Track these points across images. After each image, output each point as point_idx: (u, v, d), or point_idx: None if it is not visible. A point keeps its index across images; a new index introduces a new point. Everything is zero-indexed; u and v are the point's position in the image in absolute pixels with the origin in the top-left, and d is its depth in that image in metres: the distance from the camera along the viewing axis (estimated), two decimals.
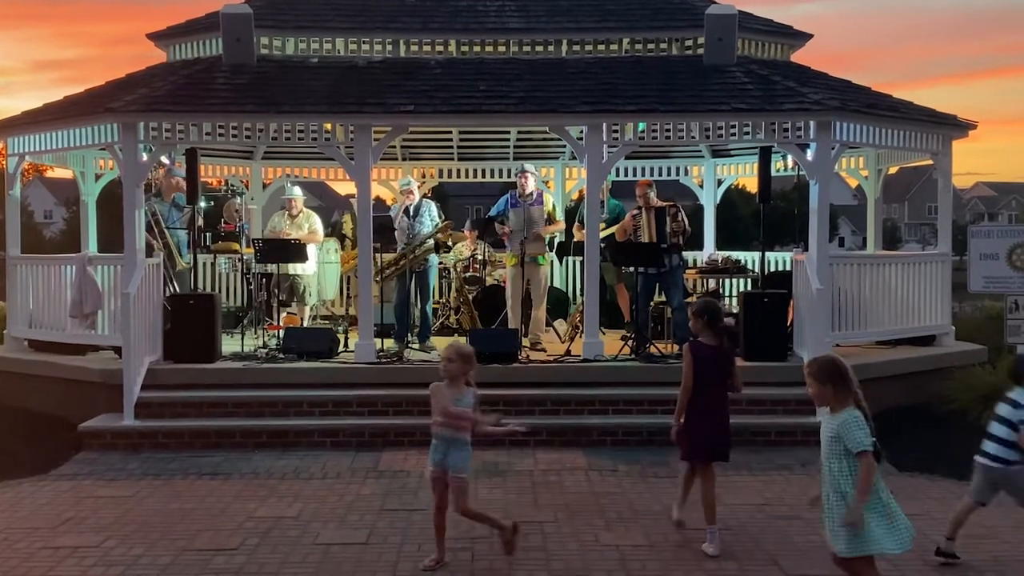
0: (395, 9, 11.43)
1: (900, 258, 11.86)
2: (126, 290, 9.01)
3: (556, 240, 12.52)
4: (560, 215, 11.23)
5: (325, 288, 12.39)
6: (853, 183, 17.62)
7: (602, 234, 10.69)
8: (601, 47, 11.14)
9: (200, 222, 10.54)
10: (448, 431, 5.57)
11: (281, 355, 9.75)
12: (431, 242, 10.85)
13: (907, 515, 6.29)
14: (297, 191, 12.03)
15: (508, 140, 13.91)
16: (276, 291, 11.33)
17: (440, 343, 10.98)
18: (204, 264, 12.87)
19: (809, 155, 9.72)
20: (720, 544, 5.90)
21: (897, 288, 10.53)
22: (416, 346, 10.44)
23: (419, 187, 11.70)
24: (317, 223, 11.90)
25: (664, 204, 10.61)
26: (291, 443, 8.53)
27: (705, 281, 12.37)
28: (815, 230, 9.70)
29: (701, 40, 10.80)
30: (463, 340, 10.19)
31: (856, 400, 4.62)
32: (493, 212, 11.11)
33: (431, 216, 11.17)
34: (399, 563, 5.67)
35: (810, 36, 12.09)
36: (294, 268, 11.34)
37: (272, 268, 11.09)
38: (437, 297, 13.49)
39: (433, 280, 11.02)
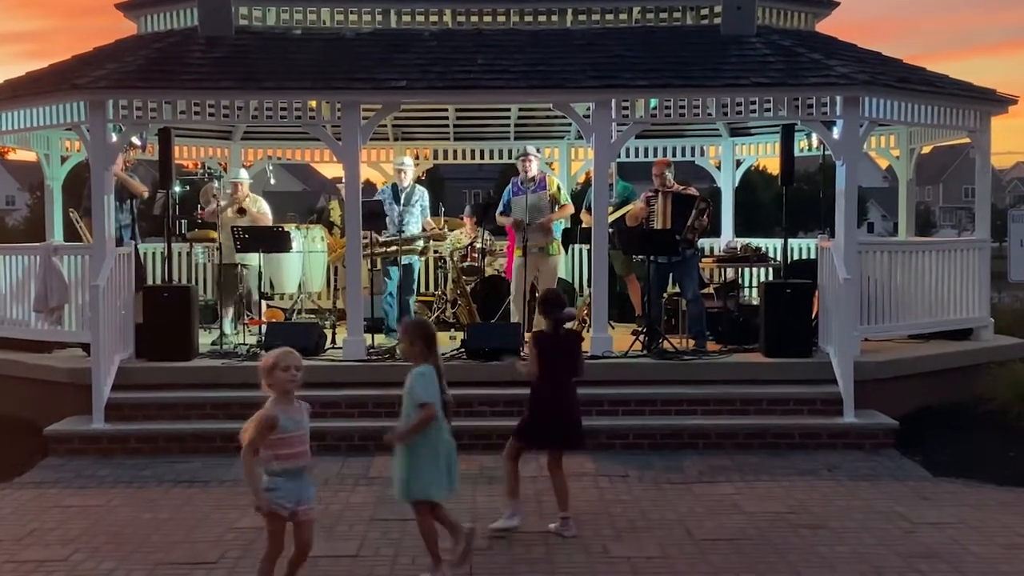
0: None
1: (934, 245, 11.85)
2: (95, 282, 9.01)
3: (561, 226, 12.51)
4: (566, 198, 11.20)
5: (310, 279, 12.39)
6: (883, 164, 17.62)
7: (610, 218, 10.68)
8: (610, 16, 11.11)
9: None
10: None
11: (263, 352, 9.74)
12: (420, 244, 10.90)
13: (940, 523, 6.34)
14: (244, 174, 12.00)
15: (508, 118, 13.89)
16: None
17: None
18: (179, 254, 12.88)
19: (835, 133, 9.70)
20: (575, 531, 6.30)
21: (931, 277, 10.52)
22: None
23: (414, 169, 11.71)
24: (266, 207, 11.86)
25: (681, 188, 10.57)
26: None
27: (723, 270, 12.36)
28: (842, 215, 9.69)
29: (718, 8, 10.77)
30: (459, 335, 10.24)
31: (435, 361, 5.66)
32: (500, 210, 11.11)
33: (423, 207, 11.21)
34: None
35: (837, 3, 12.05)
36: (242, 257, 11.07)
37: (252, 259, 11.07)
38: (433, 288, 13.53)
39: (418, 272, 11.05)
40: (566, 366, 6.51)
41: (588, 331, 10.12)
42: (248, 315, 11.40)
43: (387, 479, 7.67)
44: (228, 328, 11.16)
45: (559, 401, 6.47)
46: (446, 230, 12.60)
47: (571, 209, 11.22)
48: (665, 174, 10.60)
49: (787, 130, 9.77)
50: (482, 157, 15.00)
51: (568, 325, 6.79)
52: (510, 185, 11.01)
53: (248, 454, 4.99)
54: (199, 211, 11.91)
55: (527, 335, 10.28)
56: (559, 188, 11.12)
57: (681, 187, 10.68)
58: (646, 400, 8.99)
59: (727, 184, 14.20)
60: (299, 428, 5.12)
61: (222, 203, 11.34)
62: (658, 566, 5.85)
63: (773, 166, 27.40)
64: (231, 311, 11.44)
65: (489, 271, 12.22)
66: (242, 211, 11.55)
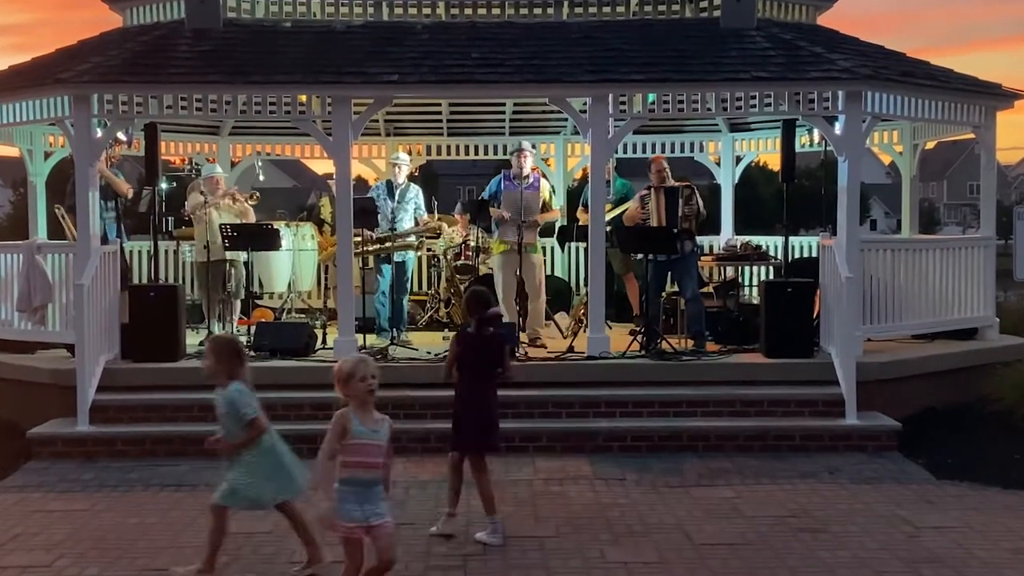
0: None
1: (938, 243, 11.86)
2: (79, 281, 8.99)
3: (557, 224, 12.52)
4: (557, 203, 11.25)
5: (300, 278, 12.38)
6: (886, 160, 17.65)
7: (608, 216, 10.68)
8: (607, 9, 11.11)
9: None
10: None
11: (252, 353, 9.74)
12: (412, 239, 10.88)
13: (944, 527, 6.34)
14: (219, 169, 11.94)
15: (503, 113, 13.88)
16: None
17: (427, 338, 11.05)
18: (166, 252, 12.86)
19: (837, 129, 9.71)
20: (503, 536, 6.28)
21: (935, 276, 10.53)
22: (404, 340, 10.50)
23: (408, 165, 11.71)
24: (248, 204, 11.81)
25: (678, 184, 10.58)
26: None
27: (723, 269, 12.37)
28: (844, 212, 9.70)
29: (717, 1, 10.78)
30: (448, 337, 10.22)
31: (245, 374, 5.71)
32: (485, 194, 11.11)
33: (418, 205, 11.20)
34: None
35: None
36: (232, 254, 10.99)
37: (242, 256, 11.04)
38: (426, 288, 13.52)
39: (411, 271, 11.03)
40: (488, 368, 6.52)
41: (585, 331, 10.13)
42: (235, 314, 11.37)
43: None
44: (216, 328, 11.12)
45: (479, 403, 6.50)
46: (443, 225, 12.58)
47: (559, 215, 11.37)
48: (664, 170, 10.60)
49: (788, 125, 9.78)
50: (476, 153, 14.99)
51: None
52: (500, 176, 10.99)
53: (323, 459, 4.98)
54: (186, 208, 11.87)
55: (522, 335, 10.32)
56: (551, 195, 11.14)
57: (678, 183, 10.67)
58: (644, 402, 8.99)
59: (727, 180, 14.21)
60: (374, 437, 5.11)
61: (210, 198, 11.27)
62: (656, 572, 5.86)
63: (774, 162, 27.43)
64: (218, 310, 11.38)
65: (483, 269, 12.21)
66: (234, 199, 11.42)
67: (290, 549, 6.17)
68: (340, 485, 4.98)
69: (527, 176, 10.75)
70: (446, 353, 9.65)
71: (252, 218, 11.52)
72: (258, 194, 11.98)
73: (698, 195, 10.48)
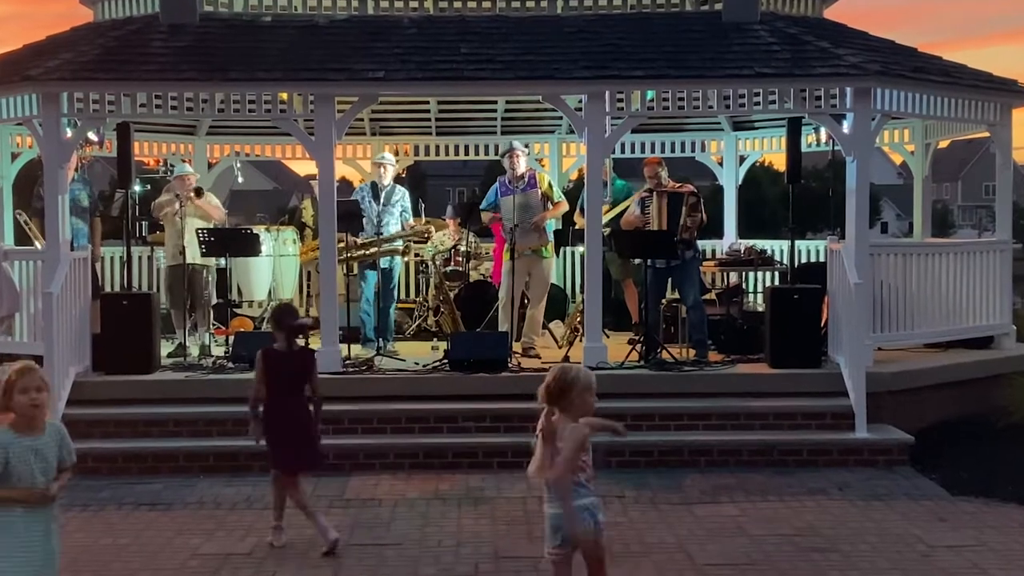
0: None
1: (952, 247, 11.89)
2: (48, 289, 8.97)
3: (553, 227, 12.51)
4: (559, 195, 11.21)
5: (281, 285, 12.36)
6: (897, 159, 17.67)
7: (606, 218, 10.69)
8: (603, 2, 11.13)
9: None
10: None
11: (231, 364, 9.73)
12: (399, 243, 10.87)
13: (959, 546, 6.35)
14: (189, 168, 11.85)
15: (495, 112, 13.90)
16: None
17: (415, 348, 11.05)
18: (139, 258, 12.85)
19: (846, 127, 9.74)
20: (284, 540, 6.60)
21: (948, 282, 10.56)
22: (391, 351, 10.51)
23: (395, 166, 11.71)
24: (215, 199, 11.73)
25: (678, 187, 10.58)
26: (242, 467, 8.51)
27: (726, 275, 12.40)
28: (853, 214, 9.72)
29: None
30: (442, 345, 10.24)
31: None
32: (484, 205, 11.12)
33: (404, 208, 11.20)
34: None
35: None
36: (194, 257, 10.75)
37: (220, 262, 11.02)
38: (414, 295, 13.52)
39: (398, 278, 11.03)
40: (298, 382, 6.66)
41: (581, 340, 10.13)
42: (214, 324, 11.35)
43: (364, 501, 7.72)
44: (187, 339, 10.99)
45: (290, 421, 6.62)
46: (432, 228, 12.58)
47: (566, 206, 11.21)
48: (660, 173, 10.59)
49: (794, 124, 9.79)
50: (466, 153, 15.00)
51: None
52: (496, 185, 11.02)
53: (566, 477, 4.85)
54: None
55: (516, 345, 10.33)
56: (551, 185, 11.13)
57: (678, 186, 10.68)
58: (643, 414, 8.99)
59: (730, 182, 14.24)
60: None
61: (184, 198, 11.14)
62: None
63: (779, 162, 27.48)
64: (193, 318, 11.28)
65: (474, 276, 12.23)
66: (199, 191, 11.21)
67: (269, 571, 6.17)
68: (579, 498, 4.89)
69: (522, 176, 10.77)
70: (435, 363, 9.79)
71: (217, 215, 11.30)
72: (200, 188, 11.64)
73: (703, 203, 10.45)
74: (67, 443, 4.78)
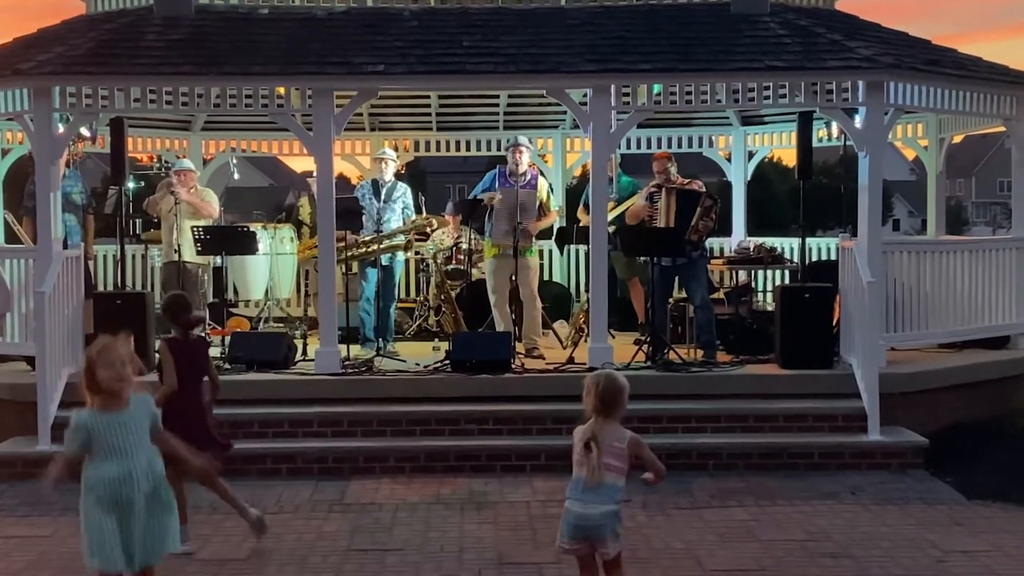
0: None
1: (967, 244, 11.89)
2: (40, 288, 8.98)
3: (556, 225, 12.52)
4: (555, 204, 11.25)
5: (279, 285, 12.37)
6: (910, 155, 17.66)
7: (611, 215, 10.68)
8: None
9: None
10: None
11: (227, 365, 9.73)
12: (400, 238, 10.87)
13: (974, 551, 6.34)
14: (187, 163, 11.88)
15: (497, 106, 13.91)
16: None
17: (415, 348, 11.05)
18: (133, 256, 12.86)
19: (858, 122, 9.74)
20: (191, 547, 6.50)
21: (963, 280, 10.55)
22: (391, 351, 10.51)
23: (396, 161, 11.71)
24: (212, 195, 11.74)
25: (686, 183, 10.54)
26: (239, 470, 8.48)
27: (734, 273, 12.39)
28: (865, 211, 9.72)
29: None
30: (443, 346, 10.24)
31: None
32: (478, 191, 11.11)
33: (406, 205, 11.20)
34: None
35: None
36: (190, 255, 10.85)
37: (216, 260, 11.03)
38: (415, 294, 13.52)
39: (399, 276, 11.03)
40: (197, 374, 6.81)
41: (586, 341, 10.13)
42: (210, 324, 11.36)
43: (364, 505, 7.72)
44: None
45: (193, 410, 6.70)
46: (433, 222, 12.56)
47: (556, 218, 11.34)
48: (669, 169, 10.56)
49: (804, 118, 9.79)
50: (468, 149, 15.01)
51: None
52: (496, 172, 10.99)
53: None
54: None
55: (519, 345, 10.32)
56: (549, 195, 11.16)
57: (686, 182, 10.66)
58: (650, 416, 8.96)
59: (738, 178, 14.23)
60: None
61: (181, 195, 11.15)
62: None
63: (789, 158, 27.49)
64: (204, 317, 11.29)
65: (476, 274, 12.22)
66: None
67: None
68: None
69: (523, 173, 10.77)
70: (437, 364, 9.78)
71: (206, 211, 11.35)
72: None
73: (718, 207, 10.39)
74: (154, 412, 5.09)
